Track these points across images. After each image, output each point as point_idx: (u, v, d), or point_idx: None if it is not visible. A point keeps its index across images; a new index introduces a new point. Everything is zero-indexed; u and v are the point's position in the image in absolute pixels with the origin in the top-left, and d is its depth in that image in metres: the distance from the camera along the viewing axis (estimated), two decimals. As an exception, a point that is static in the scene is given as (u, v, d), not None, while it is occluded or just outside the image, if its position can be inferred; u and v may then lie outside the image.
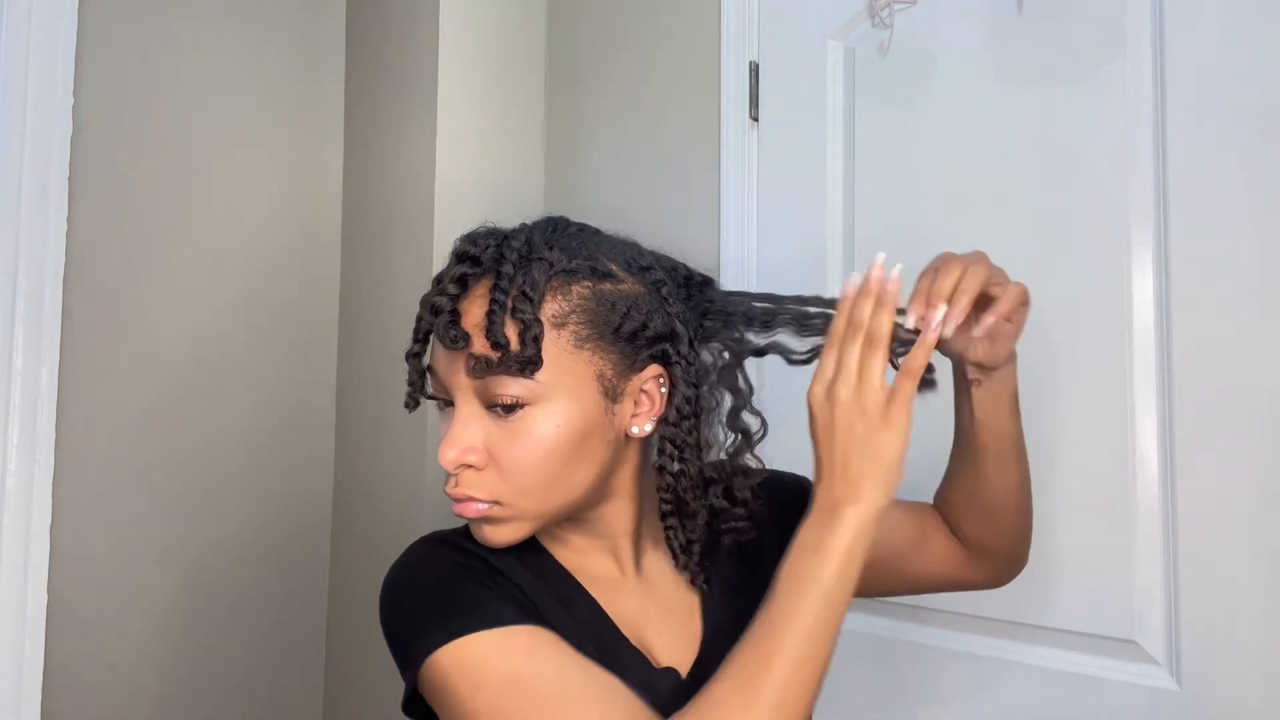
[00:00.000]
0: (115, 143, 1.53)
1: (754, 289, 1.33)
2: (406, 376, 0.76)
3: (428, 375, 0.75)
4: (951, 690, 1.11)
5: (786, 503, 0.91)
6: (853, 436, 0.70)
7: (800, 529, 0.71)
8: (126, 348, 1.54)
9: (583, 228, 0.79)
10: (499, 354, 0.69)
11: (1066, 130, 1.05)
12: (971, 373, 0.83)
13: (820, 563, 0.68)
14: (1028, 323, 1.07)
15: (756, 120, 1.35)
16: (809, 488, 0.94)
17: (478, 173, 1.59)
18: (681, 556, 0.79)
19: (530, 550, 0.79)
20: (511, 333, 0.70)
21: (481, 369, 0.70)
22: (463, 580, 0.73)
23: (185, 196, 1.61)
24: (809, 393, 0.72)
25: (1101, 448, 1.00)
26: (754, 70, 1.36)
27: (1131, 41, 1.00)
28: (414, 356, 0.75)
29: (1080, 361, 1.02)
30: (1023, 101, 1.08)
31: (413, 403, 0.76)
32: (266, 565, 1.68)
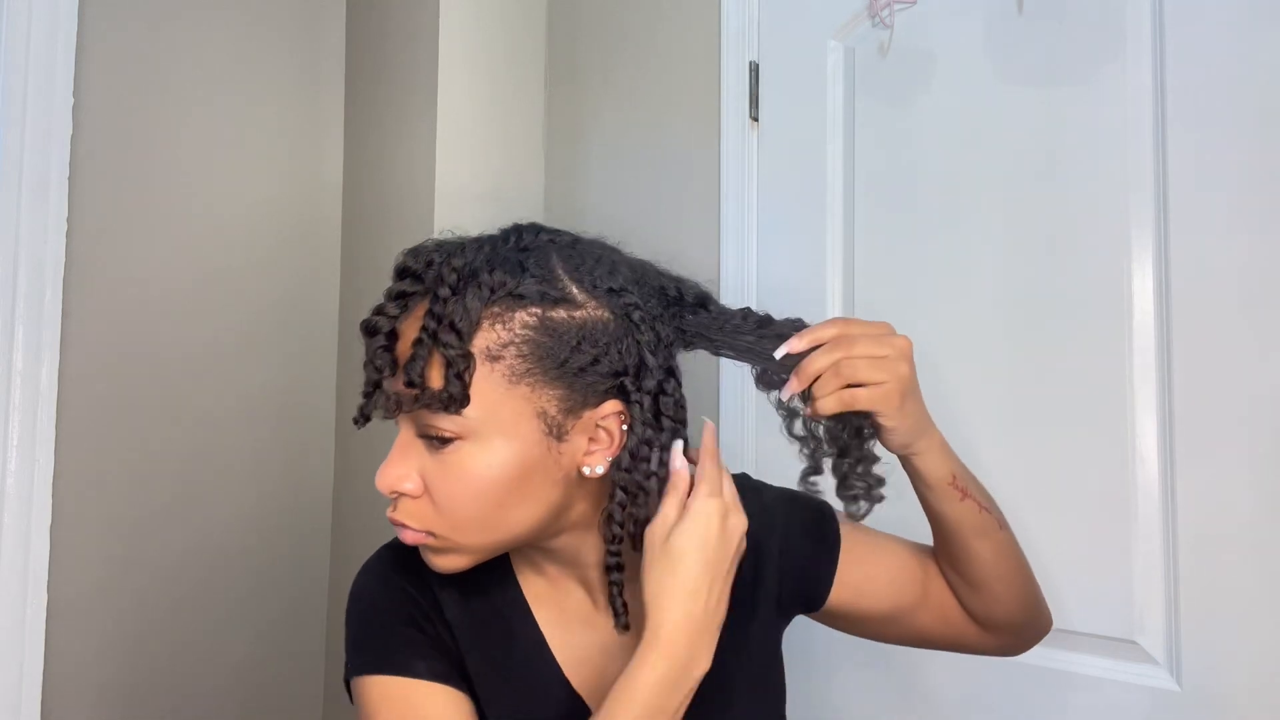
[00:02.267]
0: (115, 143, 1.53)
1: (753, 293, 1.33)
2: (362, 389, 0.70)
3: (379, 390, 0.69)
4: (951, 690, 1.11)
5: (798, 536, 0.84)
6: (713, 587, 0.69)
7: (639, 668, 0.67)
8: (126, 348, 1.54)
9: (554, 238, 0.72)
10: (414, 392, 0.65)
11: (1066, 130, 1.05)
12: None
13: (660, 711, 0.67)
14: (1021, 326, 1.07)
15: (756, 120, 1.35)
16: (830, 520, 0.85)
17: (478, 173, 1.59)
18: (622, 617, 0.72)
19: (491, 576, 0.77)
20: (435, 371, 0.65)
21: (394, 406, 0.67)
22: (397, 615, 0.74)
23: (185, 197, 1.61)
24: (693, 507, 0.69)
25: (1101, 448, 1.00)
26: (754, 70, 1.36)
27: (1131, 41, 1.00)
28: (368, 365, 0.69)
29: (1080, 361, 1.02)
30: (1023, 101, 1.08)
31: (361, 419, 0.70)
32: (267, 564, 1.68)
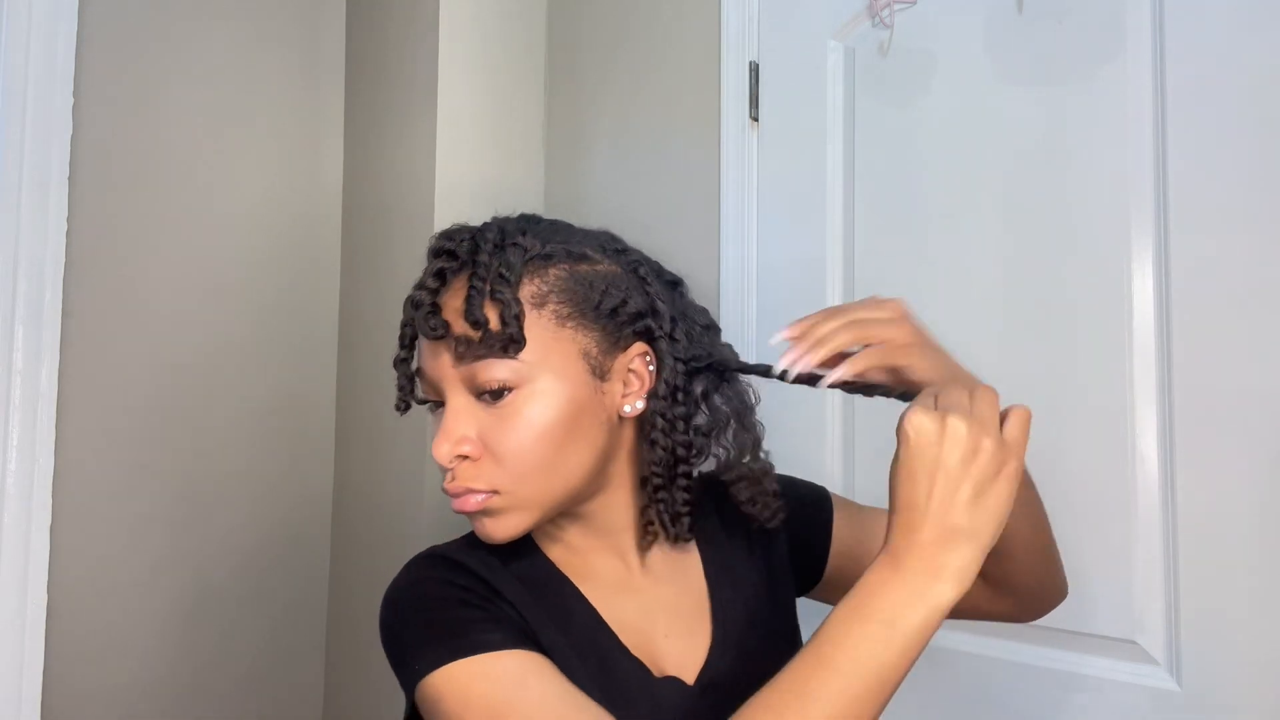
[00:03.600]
0: (115, 143, 1.53)
1: (753, 292, 1.33)
2: (396, 382, 0.76)
3: (416, 379, 0.76)
4: (951, 690, 1.11)
5: (799, 513, 0.89)
6: (965, 483, 0.58)
7: (872, 582, 0.60)
8: (126, 348, 1.54)
9: (554, 220, 0.80)
10: (480, 333, 0.69)
11: (1066, 130, 1.05)
12: None
13: (888, 641, 0.58)
14: (1021, 326, 1.07)
15: (756, 120, 1.35)
16: (826, 498, 0.92)
17: (478, 173, 1.59)
18: (671, 529, 0.78)
19: (527, 559, 0.78)
20: (491, 313, 0.70)
21: (463, 351, 0.70)
22: (453, 603, 0.72)
23: (185, 196, 1.61)
24: (907, 422, 0.60)
25: (1101, 448, 1.00)
26: (754, 70, 1.36)
27: (1131, 41, 1.00)
28: (401, 362, 0.76)
29: (1080, 361, 1.02)
30: (1023, 101, 1.08)
31: (403, 405, 0.77)
32: (266, 565, 1.68)
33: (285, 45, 1.73)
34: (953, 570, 0.58)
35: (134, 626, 1.53)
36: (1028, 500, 0.80)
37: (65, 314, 1.45)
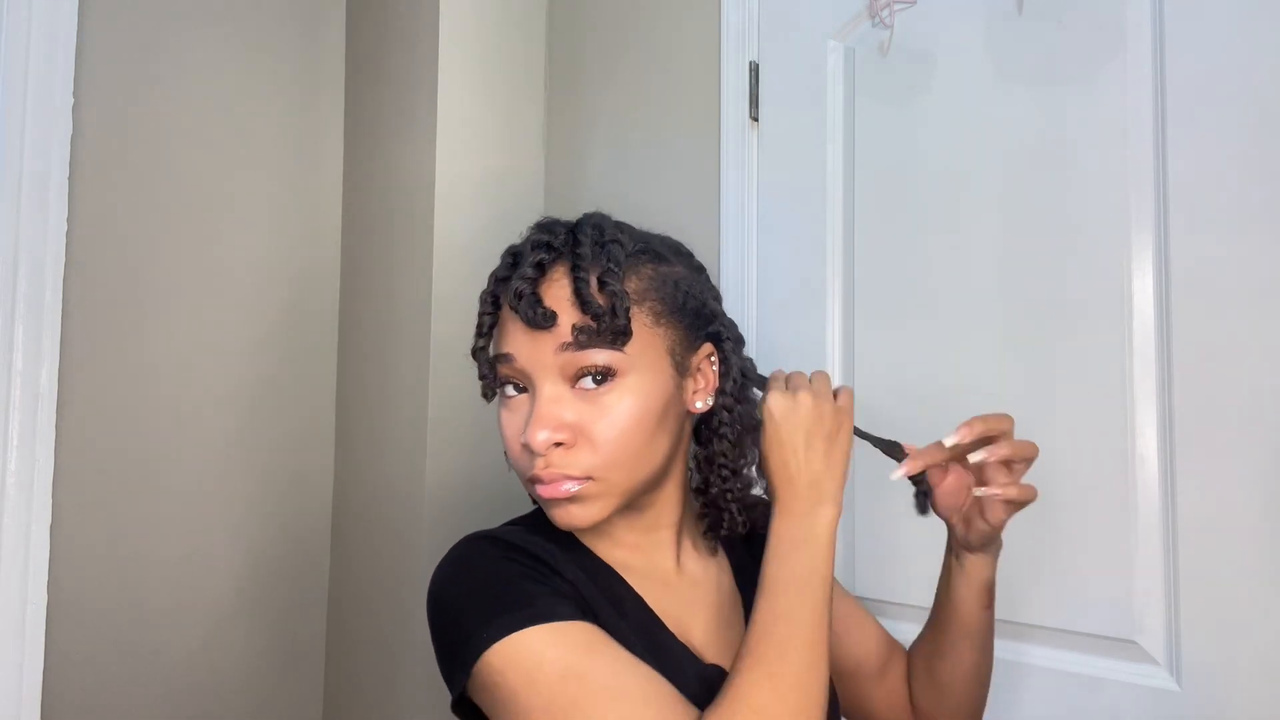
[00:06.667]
0: (115, 143, 1.53)
1: (753, 292, 1.33)
2: (477, 371, 0.79)
3: (496, 365, 0.77)
4: (951, 690, 1.11)
5: None
6: (818, 441, 0.74)
7: (775, 530, 0.74)
8: (126, 348, 1.54)
9: (619, 222, 0.83)
10: (597, 323, 0.72)
11: (1066, 130, 1.05)
12: (953, 546, 0.87)
13: (815, 553, 0.72)
14: (1021, 326, 1.07)
15: (756, 120, 1.35)
16: None
17: (478, 173, 1.59)
18: (738, 519, 0.82)
19: (578, 551, 0.80)
20: (604, 305, 0.72)
21: (571, 340, 0.72)
22: (517, 576, 0.72)
23: (185, 196, 1.61)
24: (768, 402, 0.76)
25: (1101, 448, 1.00)
26: (754, 70, 1.36)
27: (1131, 41, 1.00)
28: (481, 350, 0.78)
29: (1080, 361, 1.02)
30: (1023, 101, 1.08)
31: (490, 393, 0.79)
32: (267, 565, 1.68)
33: (286, 45, 1.74)
34: (827, 498, 0.74)
35: (134, 626, 1.53)
36: (979, 653, 0.89)
37: (65, 314, 1.45)
